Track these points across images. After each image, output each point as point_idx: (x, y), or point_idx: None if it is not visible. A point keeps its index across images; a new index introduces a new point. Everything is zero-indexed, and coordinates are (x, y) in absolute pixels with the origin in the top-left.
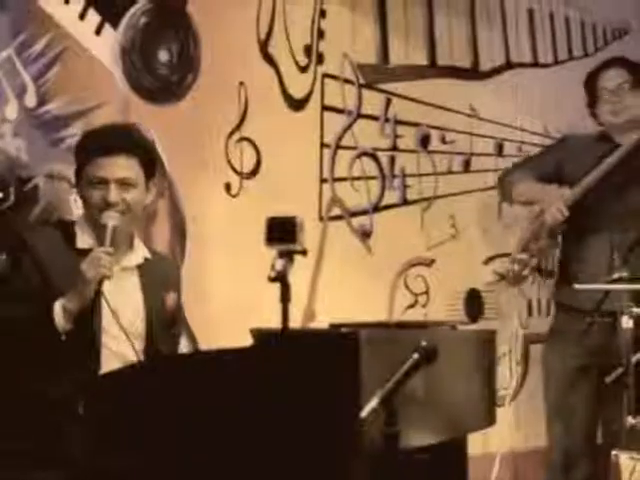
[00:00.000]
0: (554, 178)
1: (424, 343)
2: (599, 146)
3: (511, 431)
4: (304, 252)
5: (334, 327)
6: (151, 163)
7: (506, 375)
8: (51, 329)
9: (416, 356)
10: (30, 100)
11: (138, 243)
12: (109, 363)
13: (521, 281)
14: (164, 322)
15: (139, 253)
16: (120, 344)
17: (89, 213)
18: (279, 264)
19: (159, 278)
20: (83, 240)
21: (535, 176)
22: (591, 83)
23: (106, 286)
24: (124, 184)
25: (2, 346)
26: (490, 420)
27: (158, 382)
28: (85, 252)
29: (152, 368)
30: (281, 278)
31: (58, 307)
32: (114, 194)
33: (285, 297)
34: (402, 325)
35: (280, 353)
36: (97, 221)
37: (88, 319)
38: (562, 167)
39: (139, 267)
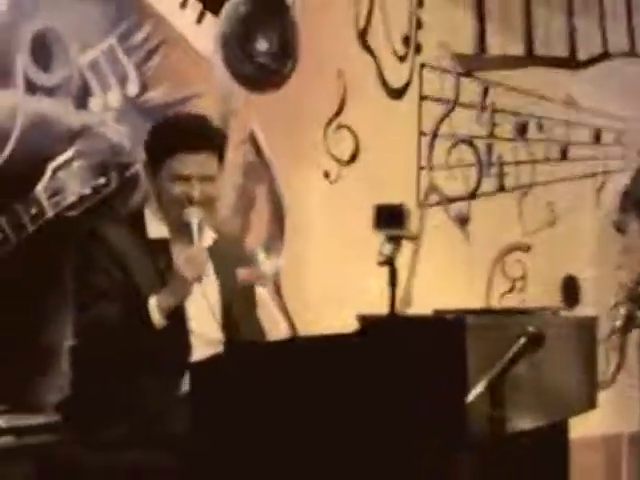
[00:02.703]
0: None
1: (531, 329)
2: None
3: (609, 415)
4: (413, 237)
5: (438, 313)
6: (223, 153)
7: (603, 361)
8: (148, 326)
9: (523, 341)
10: (132, 88)
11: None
12: (199, 351)
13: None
14: (240, 299)
15: (207, 235)
16: (206, 328)
17: (166, 207)
18: (387, 248)
19: (228, 256)
20: (154, 230)
21: None
22: None
23: None
24: (205, 179)
25: (103, 342)
26: (592, 404)
27: (258, 367)
28: (156, 242)
29: (252, 352)
30: (390, 262)
31: (153, 304)
32: (197, 191)
33: (393, 281)
34: (506, 311)
35: (387, 339)
36: (175, 216)
37: (181, 311)
38: None
39: (209, 249)
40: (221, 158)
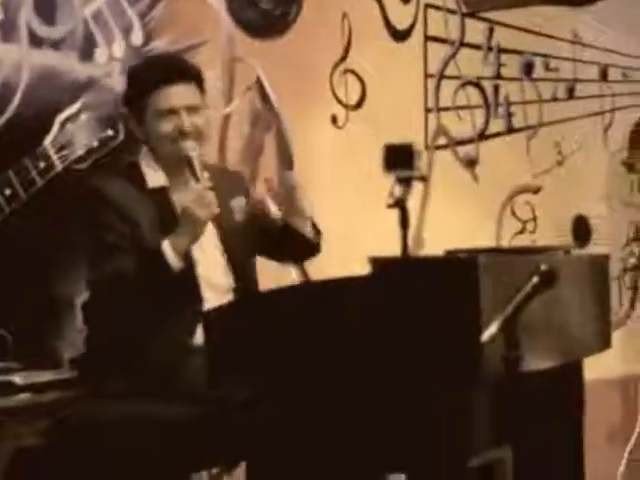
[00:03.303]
0: None
1: (543, 267)
2: None
3: (621, 356)
4: (423, 178)
5: (450, 254)
6: (202, 86)
7: (615, 300)
8: (165, 267)
9: (536, 280)
10: (136, 38)
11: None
12: (207, 293)
13: None
14: (238, 231)
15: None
16: (211, 270)
17: (159, 149)
18: (398, 190)
19: (224, 189)
20: (153, 179)
21: None
22: None
23: None
24: (192, 110)
25: (119, 294)
26: (606, 343)
27: (273, 313)
28: (156, 191)
29: (266, 299)
30: (400, 204)
31: (167, 246)
32: (188, 122)
33: (404, 223)
34: (518, 250)
35: (400, 280)
36: (171, 155)
37: (189, 256)
38: None
39: None
40: (202, 90)
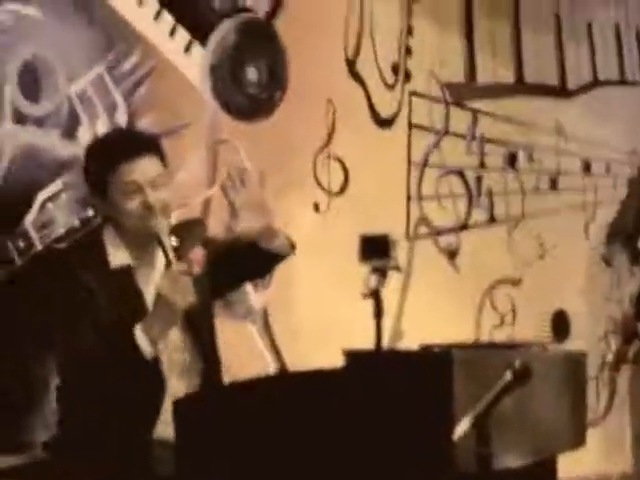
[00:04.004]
0: None
1: (517, 363)
2: None
3: (597, 455)
4: (398, 268)
5: (425, 347)
6: (164, 158)
7: (593, 398)
8: (138, 356)
9: (509, 376)
10: (121, 117)
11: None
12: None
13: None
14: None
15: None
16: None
17: (125, 226)
18: (373, 280)
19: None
20: (117, 257)
21: None
22: None
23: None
24: (156, 184)
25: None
26: (581, 441)
27: (247, 404)
28: (121, 270)
29: (240, 389)
30: (375, 295)
31: (141, 334)
32: (152, 197)
33: (379, 313)
34: (493, 345)
35: (373, 374)
36: (136, 231)
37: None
38: None
39: None
40: (164, 161)
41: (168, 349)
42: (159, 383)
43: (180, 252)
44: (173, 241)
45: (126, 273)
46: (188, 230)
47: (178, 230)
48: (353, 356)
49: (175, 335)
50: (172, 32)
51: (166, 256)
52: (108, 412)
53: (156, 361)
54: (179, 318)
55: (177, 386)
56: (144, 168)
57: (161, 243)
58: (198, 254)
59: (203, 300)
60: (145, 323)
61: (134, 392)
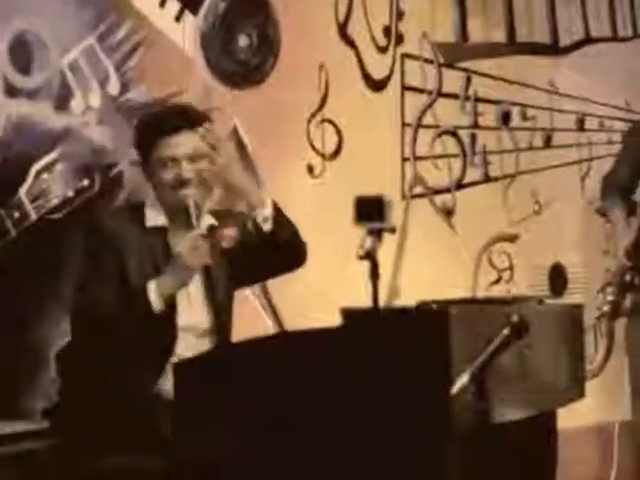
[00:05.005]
0: None
1: (515, 318)
2: None
3: (597, 405)
4: (393, 230)
5: (423, 304)
6: (214, 133)
7: (591, 349)
8: (146, 308)
9: (506, 331)
10: (113, 88)
11: (205, 213)
12: (182, 339)
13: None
14: (223, 267)
15: (206, 222)
16: (192, 318)
17: (161, 194)
18: (368, 242)
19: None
20: (153, 219)
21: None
22: None
23: None
24: (194, 158)
25: (98, 327)
26: (579, 393)
27: (246, 363)
28: (154, 230)
29: (240, 349)
30: (370, 256)
31: (153, 288)
32: (186, 170)
33: (374, 275)
34: (490, 301)
35: (371, 332)
36: (171, 201)
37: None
38: None
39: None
40: (211, 135)
41: (188, 312)
42: (167, 338)
43: (215, 230)
44: (211, 219)
45: (159, 233)
46: (230, 216)
47: (221, 215)
48: (351, 315)
49: (197, 300)
50: (163, 1)
51: (190, 222)
52: (112, 365)
53: (166, 317)
54: (191, 278)
55: (196, 346)
56: (184, 143)
57: (188, 211)
58: (231, 231)
59: (225, 279)
60: (159, 279)
61: (140, 345)
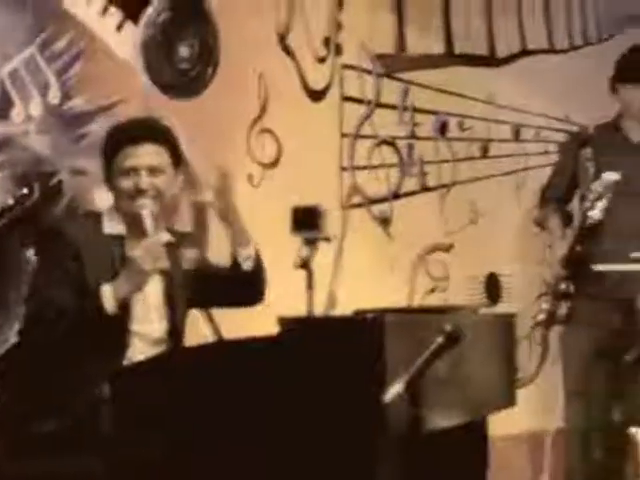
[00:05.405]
0: None
1: (448, 327)
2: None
3: (530, 412)
4: (328, 239)
5: (359, 313)
6: (176, 152)
7: (525, 357)
8: (98, 310)
9: (440, 340)
10: (54, 97)
11: (162, 229)
12: (135, 345)
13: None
14: (183, 284)
15: (163, 237)
16: (146, 326)
17: (119, 203)
18: (304, 251)
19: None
20: (111, 227)
21: None
22: (627, 68)
23: None
24: (154, 171)
25: (49, 330)
26: (511, 401)
27: (185, 371)
28: (111, 238)
29: (180, 357)
30: (306, 265)
31: (107, 291)
32: (145, 181)
33: (310, 283)
34: (424, 310)
35: (306, 340)
36: (128, 210)
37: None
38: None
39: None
40: (173, 153)
41: (144, 318)
42: (119, 341)
43: (173, 246)
44: (168, 236)
45: (117, 242)
46: (191, 239)
47: (183, 236)
48: (287, 323)
49: (154, 307)
50: (104, 11)
51: (145, 230)
52: (59, 365)
53: (119, 320)
54: (145, 283)
55: (150, 353)
56: (143, 154)
57: (142, 221)
58: (191, 253)
59: (184, 294)
60: (114, 283)
61: (90, 347)
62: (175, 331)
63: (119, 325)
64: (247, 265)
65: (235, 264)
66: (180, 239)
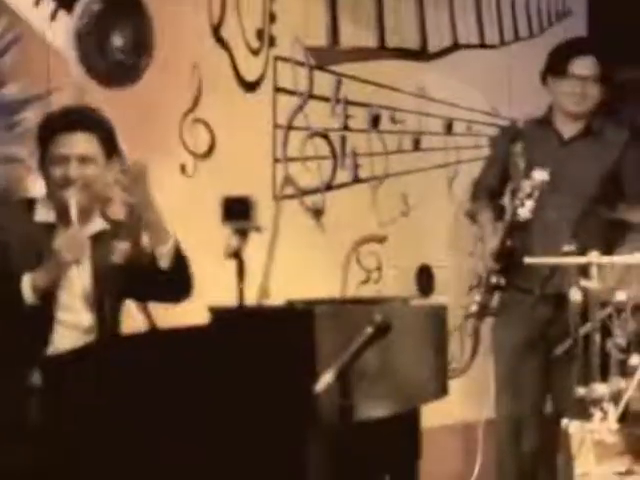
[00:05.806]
0: None
1: (378, 317)
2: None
3: (462, 403)
4: (258, 229)
5: (290, 304)
6: (110, 141)
7: (457, 348)
8: (17, 300)
9: (370, 330)
10: None
11: (95, 217)
12: (63, 334)
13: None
14: (113, 274)
15: (95, 226)
16: (74, 315)
17: (51, 191)
18: (234, 241)
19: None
20: (42, 214)
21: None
22: (559, 61)
23: None
24: (84, 160)
25: None
26: (442, 391)
27: (117, 360)
28: (41, 226)
29: (111, 346)
30: (237, 255)
31: (27, 281)
32: (74, 170)
33: (241, 273)
34: (356, 301)
35: (237, 330)
36: (59, 198)
37: (50, 293)
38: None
39: (92, 238)
40: (105, 143)
41: (72, 308)
42: (40, 331)
43: (105, 235)
44: (102, 224)
45: (47, 230)
46: (126, 229)
47: (118, 225)
48: (218, 313)
49: (81, 297)
50: (37, 0)
51: (69, 219)
52: None
53: (39, 310)
54: (64, 274)
55: (80, 342)
56: (75, 143)
57: (68, 210)
58: (124, 245)
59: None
60: (34, 273)
61: (11, 336)
62: (104, 320)
63: (41, 313)
64: (164, 263)
65: (153, 262)
66: (115, 228)
